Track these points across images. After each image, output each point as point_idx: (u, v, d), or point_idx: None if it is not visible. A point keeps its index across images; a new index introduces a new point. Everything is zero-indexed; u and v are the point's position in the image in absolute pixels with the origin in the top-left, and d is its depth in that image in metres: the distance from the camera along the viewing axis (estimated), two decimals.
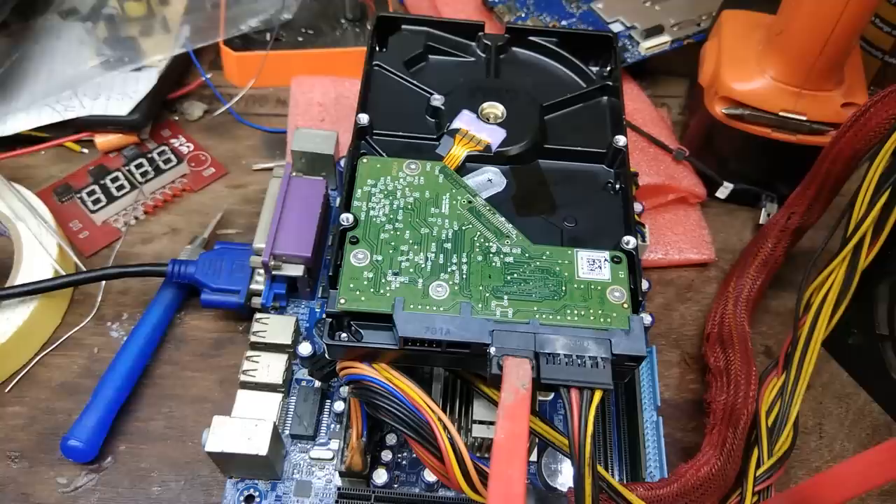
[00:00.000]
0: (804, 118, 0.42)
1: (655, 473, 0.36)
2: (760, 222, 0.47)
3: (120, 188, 0.46)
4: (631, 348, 0.28)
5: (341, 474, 0.35)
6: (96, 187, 0.46)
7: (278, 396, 0.37)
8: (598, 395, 0.27)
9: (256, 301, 0.40)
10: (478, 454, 0.35)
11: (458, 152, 0.34)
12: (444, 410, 0.28)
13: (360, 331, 0.29)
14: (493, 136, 0.34)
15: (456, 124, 0.34)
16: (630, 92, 0.51)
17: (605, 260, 0.30)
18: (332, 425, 0.38)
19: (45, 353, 0.41)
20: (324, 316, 0.29)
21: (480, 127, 0.34)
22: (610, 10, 0.52)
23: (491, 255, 0.30)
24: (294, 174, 0.42)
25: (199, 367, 0.41)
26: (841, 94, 0.42)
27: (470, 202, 0.32)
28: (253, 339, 0.38)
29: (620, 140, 0.34)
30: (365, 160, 0.33)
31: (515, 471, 0.23)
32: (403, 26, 0.39)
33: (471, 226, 0.31)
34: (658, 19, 0.51)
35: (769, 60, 0.42)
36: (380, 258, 0.30)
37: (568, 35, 0.38)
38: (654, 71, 0.54)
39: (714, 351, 0.39)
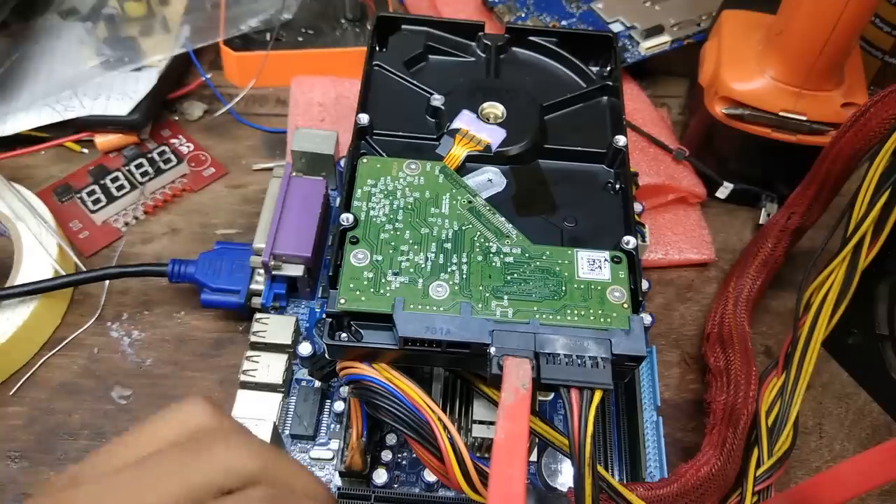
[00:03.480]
0: (804, 118, 0.42)
1: (655, 473, 0.36)
2: (760, 222, 0.47)
3: (120, 188, 0.46)
4: (631, 348, 0.28)
5: (341, 474, 0.35)
6: (96, 187, 0.46)
7: (278, 396, 0.37)
8: (598, 395, 0.27)
9: (256, 301, 0.40)
10: (478, 454, 0.35)
11: (458, 152, 0.34)
12: (444, 410, 0.28)
13: (360, 331, 0.29)
14: (493, 136, 0.34)
15: (456, 124, 0.34)
16: (630, 92, 0.51)
17: (605, 260, 0.30)
18: (332, 425, 0.38)
19: (45, 353, 0.41)
20: (324, 316, 0.29)
21: (480, 127, 0.34)
22: (610, 10, 0.52)
23: (491, 255, 0.30)
24: (294, 174, 0.42)
25: (199, 367, 0.41)
26: (841, 94, 0.42)
27: (470, 202, 0.32)
28: (253, 339, 0.38)
29: (620, 140, 0.34)
30: (365, 160, 0.33)
31: (515, 471, 0.23)
32: (403, 26, 0.39)
33: (471, 226, 0.31)
34: (658, 19, 0.51)
35: (769, 60, 0.42)
36: (380, 258, 0.30)
37: (568, 35, 0.38)
38: (654, 71, 0.54)
39: (714, 351, 0.39)
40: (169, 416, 0.25)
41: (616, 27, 0.51)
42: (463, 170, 0.33)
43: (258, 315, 0.39)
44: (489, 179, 0.33)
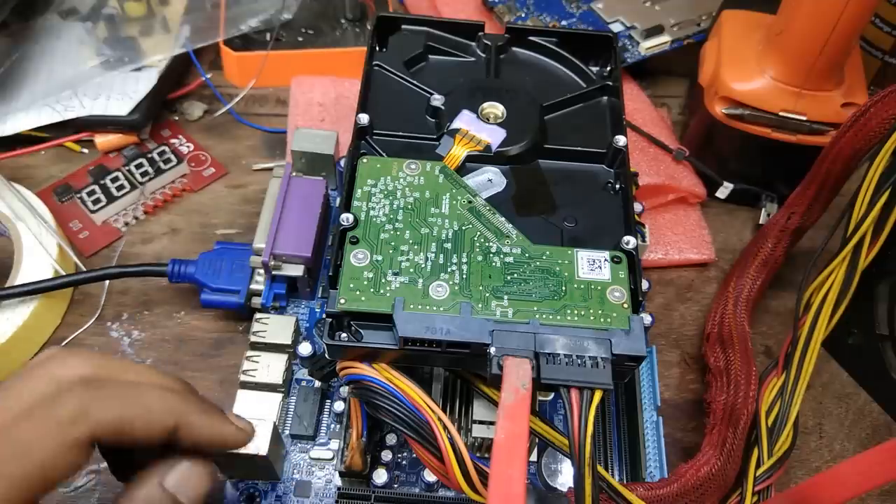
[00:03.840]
0: (804, 118, 0.42)
1: (655, 473, 0.36)
2: (760, 222, 0.47)
3: (120, 188, 0.46)
4: (631, 348, 0.28)
5: (341, 474, 0.35)
6: (96, 187, 0.46)
7: (278, 396, 0.37)
8: (598, 396, 0.27)
9: (256, 301, 0.40)
10: (478, 454, 0.35)
11: (458, 152, 0.34)
12: (444, 410, 0.28)
13: (360, 331, 0.29)
14: (493, 136, 0.34)
15: (456, 124, 0.34)
16: (630, 92, 0.51)
17: (605, 260, 0.30)
18: (332, 425, 0.38)
19: None
20: (324, 316, 0.29)
21: (480, 127, 0.34)
22: (610, 10, 0.52)
23: (491, 255, 0.30)
24: (294, 174, 0.42)
25: (199, 367, 0.41)
26: (841, 94, 0.42)
27: (470, 202, 0.32)
28: (253, 339, 0.38)
29: (620, 140, 0.34)
30: (365, 160, 0.33)
31: (515, 471, 0.23)
32: (403, 26, 0.39)
33: (471, 226, 0.31)
34: (658, 19, 0.51)
35: (769, 60, 0.42)
36: (380, 258, 0.30)
37: (568, 35, 0.38)
38: (654, 71, 0.54)
39: (714, 351, 0.39)
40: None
41: (616, 27, 0.51)
42: (463, 170, 0.33)
43: (258, 315, 0.39)
44: (489, 179, 0.33)
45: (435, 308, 0.28)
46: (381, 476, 0.35)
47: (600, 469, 0.28)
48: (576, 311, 0.29)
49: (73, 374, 0.26)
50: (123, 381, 0.27)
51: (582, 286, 0.29)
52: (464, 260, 0.30)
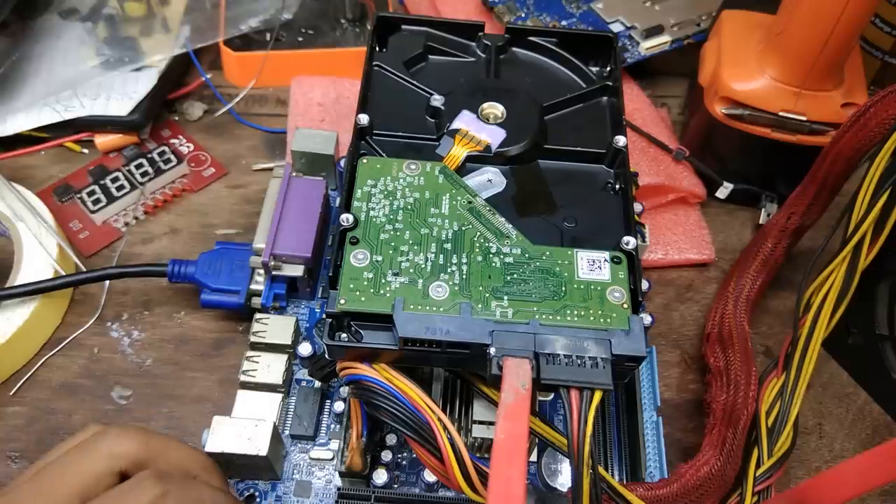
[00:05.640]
0: (804, 118, 0.42)
1: (655, 473, 0.36)
2: (760, 222, 0.47)
3: (120, 188, 0.46)
4: (631, 348, 0.28)
5: (341, 474, 0.35)
6: (96, 187, 0.46)
7: (278, 396, 0.37)
8: (597, 396, 0.27)
9: (256, 301, 0.40)
10: (478, 454, 0.35)
11: (458, 152, 0.34)
12: (444, 410, 0.29)
13: (360, 331, 0.29)
14: (493, 136, 0.34)
15: (456, 124, 0.34)
16: (630, 92, 0.51)
17: (605, 260, 0.30)
18: (332, 425, 0.38)
19: (45, 353, 0.41)
20: (324, 316, 0.29)
21: (480, 127, 0.34)
22: (610, 10, 0.52)
23: (491, 256, 0.30)
24: (294, 174, 0.42)
25: (199, 367, 0.41)
26: (841, 94, 0.42)
27: (470, 202, 0.32)
28: (253, 339, 0.38)
29: (620, 140, 0.34)
30: (365, 160, 0.33)
31: (515, 471, 0.23)
32: (403, 26, 0.39)
33: (471, 226, 0.31)
34: (658, 19, 0.51)
35: (769, 60, 0.42)
36: (380, 258, 0.30)
37: (568, 35, 0.38)
38: (654, 71, 0.54)
39: (714, 351, 0.39)
40: (67, 441, 0.30)
41: (616, 27, 0.51)
42: (463, 170, 0.33)
43: (258, 315, 0.39)
44: (489, 179, 0.33)
45: (435, 308, 0.28)
46: (381, 476, 0.35)
47: (600, 470, 0.28)
48: (576, 312, 0.29)
49: (125, 450, 0.28)
50: (171, 461, 0.29)
51: (582, 286, 0.29)
52: (464, 260, 0.30)
